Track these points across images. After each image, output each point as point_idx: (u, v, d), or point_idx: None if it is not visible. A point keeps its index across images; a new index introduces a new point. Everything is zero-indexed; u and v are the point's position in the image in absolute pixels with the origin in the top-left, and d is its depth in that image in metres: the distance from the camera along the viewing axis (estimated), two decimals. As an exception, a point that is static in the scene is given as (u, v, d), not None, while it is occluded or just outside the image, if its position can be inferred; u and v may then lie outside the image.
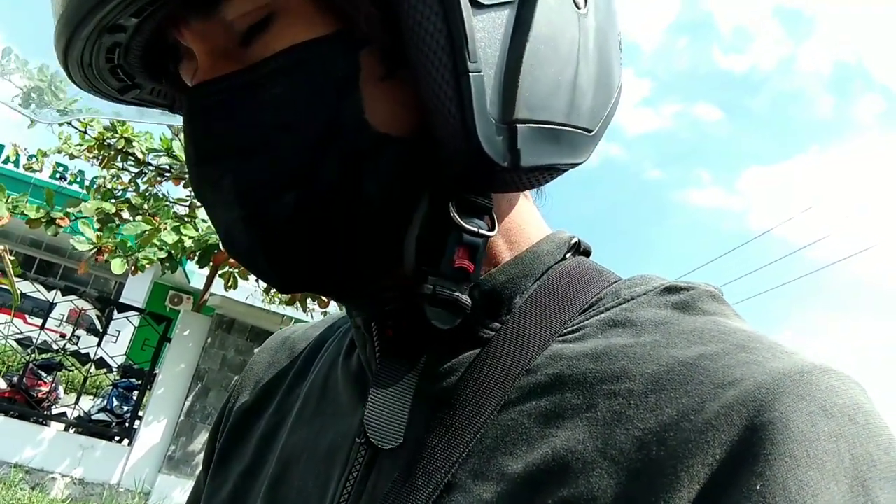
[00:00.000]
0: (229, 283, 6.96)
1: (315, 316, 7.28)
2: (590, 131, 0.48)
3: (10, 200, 6.44)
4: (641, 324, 0.46)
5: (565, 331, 0.48)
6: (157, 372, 7.64)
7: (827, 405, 0.37)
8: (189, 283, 11.43)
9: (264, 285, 6.91)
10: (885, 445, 0.37)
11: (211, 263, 6.70)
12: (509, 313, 0.50)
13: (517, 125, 0.43)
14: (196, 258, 6.63)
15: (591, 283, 0.51)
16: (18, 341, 8.38)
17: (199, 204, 6.37)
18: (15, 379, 7.72)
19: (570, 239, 0.55)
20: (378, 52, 0.44)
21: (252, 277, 6.83)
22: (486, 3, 0.42)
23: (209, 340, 7.56)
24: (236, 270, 6.96)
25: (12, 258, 4.22)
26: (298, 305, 7.21)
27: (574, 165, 0.49)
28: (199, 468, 0.65)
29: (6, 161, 11.94)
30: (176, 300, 14.57)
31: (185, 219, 6.88)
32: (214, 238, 6.11)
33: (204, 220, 6.80)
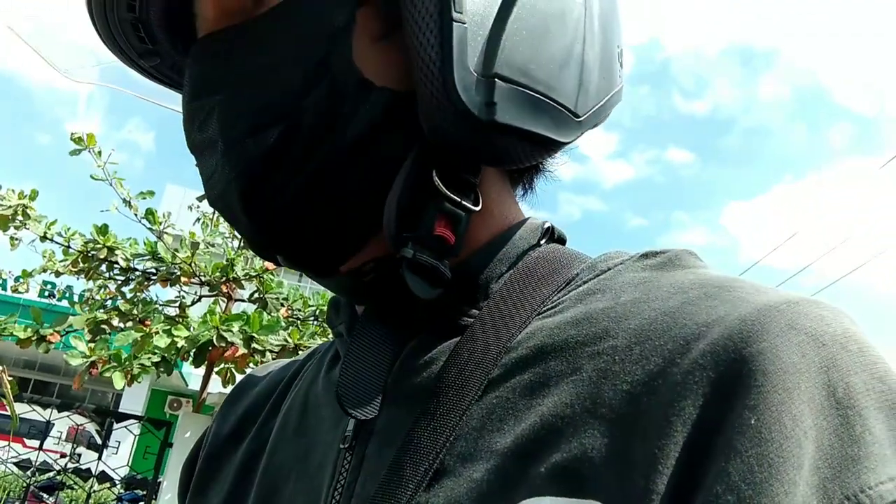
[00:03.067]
0: (227, 380, 6.86)
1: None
2: (577, 115, 0.48)
3: (-3, 323, 6.40)
4: (620, 287, 0.45)
5: (544, 308, 0.48)
6: (161, 479, 7.48)
7: (817, 334, 0.36)
8: (187, 385, 11.26)
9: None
10: (880, 374, 0.36)
11: (206, 362, 6.62)
12: (486, 299, 0.49)
13: (496, 80, 0.43)
14: (190, 358, 6.56)
15: (568, 264, 0.51)
16: (17, 464, 8.21)
17: (189, 304, 6.40)
18: (17, 504, 7.53)
19: (543, 224, 0.55)
20: (374, 13, 0.48)
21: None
22: None
23: (212, 440, 7.42)
24: (233, 366, 6.89)
25: (10, 378, 4.17)
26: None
27: (557, 143, 0.49)
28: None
29: (-8, 286, 11.92)
30: (175, 405, 14.34)
31: (177, 319, 6.84)
32: (207, 335, 6.05)
33: (195, 319, 6.77)
